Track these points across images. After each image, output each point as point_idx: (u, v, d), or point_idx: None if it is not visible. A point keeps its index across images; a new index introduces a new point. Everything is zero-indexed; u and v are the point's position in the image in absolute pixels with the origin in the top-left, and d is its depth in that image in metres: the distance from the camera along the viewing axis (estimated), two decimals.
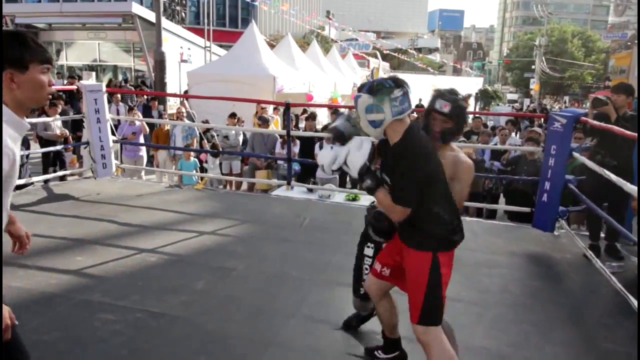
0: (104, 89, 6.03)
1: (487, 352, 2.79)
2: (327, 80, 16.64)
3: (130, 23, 18.91)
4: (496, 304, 3.40)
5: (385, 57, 39.16)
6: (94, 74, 13.37)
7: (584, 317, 3.27)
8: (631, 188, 3.27)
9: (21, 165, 4.68)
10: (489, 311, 3.28)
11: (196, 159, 7.92)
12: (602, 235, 4.54)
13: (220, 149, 7.81)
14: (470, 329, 3.02)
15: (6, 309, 1.52)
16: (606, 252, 4.36)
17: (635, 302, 3.09)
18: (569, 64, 44.03)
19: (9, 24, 19.36)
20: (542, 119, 8.48)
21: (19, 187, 5.39)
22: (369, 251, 2.80)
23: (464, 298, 3.45)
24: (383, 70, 32.16)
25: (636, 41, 21.95)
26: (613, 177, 3.56)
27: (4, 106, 1.48)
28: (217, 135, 8.25)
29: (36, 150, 7.18)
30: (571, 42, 46.26)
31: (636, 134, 3.41)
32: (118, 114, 10.51)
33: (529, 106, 28.14)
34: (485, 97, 33.65)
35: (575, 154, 4.58)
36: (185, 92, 14.02)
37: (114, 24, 20.31)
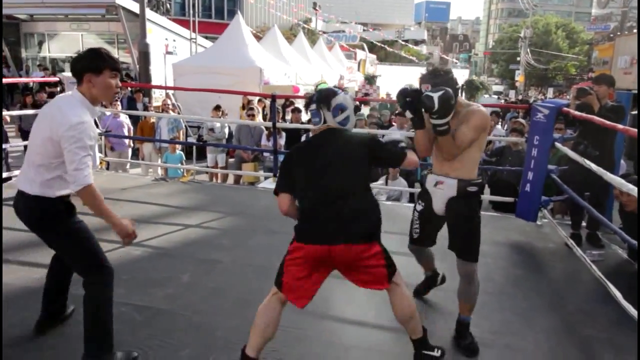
0: None
1: None
2: (313, 72, 16.59)
3: (114, 14, 18.58)
4: (480, 292, 3.43)
5: (372, 49, 39.09)
6: None
7: (565, 305, 3.33)
8: (611, 177, 3.32)
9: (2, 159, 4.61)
10: None
11: (182, 152, 7.87)
12: (584, 224, 4.62)
13: (206, 142, 7.77)
14: (454, 317, 3.06)
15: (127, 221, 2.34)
16: (587, 241, 4.44)
17: (615, 290, 3.15)
18: (554, 56, 44.41)
19: None
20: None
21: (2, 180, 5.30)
22: (418, 207, 2.91)
23: (449, 287, 3.47)
24: (370, 62, 32.13)
25: (619, 33, 22.23)
26: (594, 167, 3.61)
27: (84, 97, 2.26)
28: (203, 127, 8.21)
29: (18, 143, 7.09)
30: (555, 33, 46.61)
31: (617, 125, 3.47)
32: (102, 106, 10.37)
33: (518, 98, 28.45)
34: (471, 88, 33.81)
35: (558, 145, 4.63)
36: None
37: (98, 15, 19.93)
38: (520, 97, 29.46)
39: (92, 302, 2.33)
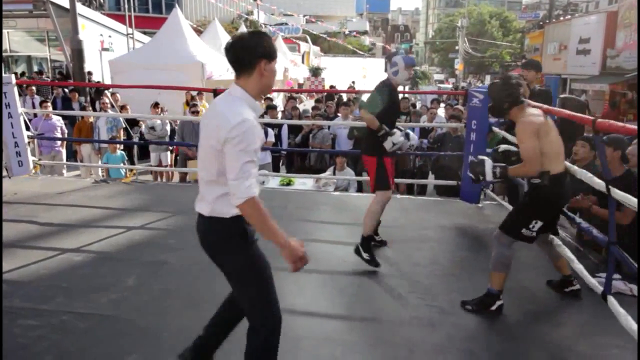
0: (14, 81, 5.61)
1: (418, 322, 2.91)
2: None
3: (42, 9, 17.58)
4: (427, 275, 3.55)
5: (315, 41, 39.12)
6: (2, 65, 12.33)
7: (506, 282, 3.48)
8: None
9: None
10: (420, 283, 3.42)
11: (123, 152, 7.58)
12: None
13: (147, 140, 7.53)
14: (403, 301, 3.15)
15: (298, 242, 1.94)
16: None
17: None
18: (489, 44, 46.09)
19: None
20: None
21: None
22: (538, 225, 2.98)
23: (396, 273, 3.57)
24: (314, 54, 32.15)
25: (548, 20, 23.35)
26: None
27: (245, 93, 1.93)
28: (142, 126, 7.95)
29: None
30: (490, 22, 48.37)
31: (544, 106, 3.64)
32: (34, 107, 9.84)
33: (462, 86, 29.45)
34: (414, 77, 34.58)
35: (495, 128, 4.82)
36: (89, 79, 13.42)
37: (25, 11, 18.78)
38: (456, 85, 30.47)
39: (254, 352, 2.03)
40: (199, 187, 2.01)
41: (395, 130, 3.60)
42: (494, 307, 3.01)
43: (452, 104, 10.75)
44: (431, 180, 6.50)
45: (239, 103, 1.89)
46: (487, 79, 33.64)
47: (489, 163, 3.00)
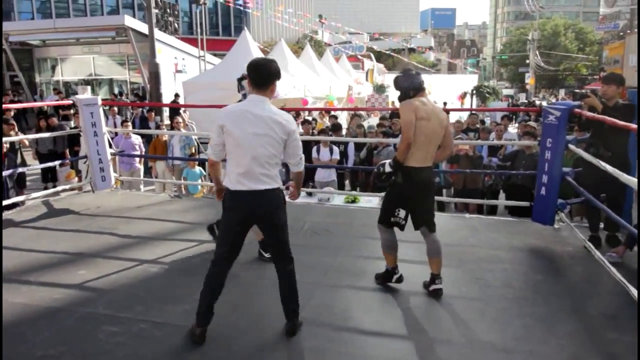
0: (100, 102, 6.06)
1: (491, 347, 2.79)
2: (322, 84, 16.68)
3: (123, 36, 18.97)
4: (499, 298, 3.41)
5: (379, 58, 39.22)
6: (89, 87, 13.38)
7: (585, 309, 3.27)
8: (627, 179, 3.27)
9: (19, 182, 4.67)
10: (492, 306, 3.29)
11: (201, 167, 7.91)
12: (602, 226, 4.55)
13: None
14: (474, 324, 3.03)
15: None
16: (607, 243, 4.37)
17: (634, 292, 3.09)
18: (563, 57, 44.14)
19: (4, 43, 19.38)
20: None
21: (15, 205, 5.40)
22: (402, 213, 3.41)
23: (466, 294, 3.46)
24: (378, 71, 32.20)
25: (629, 31, 22.04)
26: (609, 168, 3.57)
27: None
28: None
29: (35, 166, 7.21)
30: (564, 35, 46.36)
31: (628, 123, 3.42)
32: (115, 126, 10.54)
33: (532, 101, 28.39)
34: (481, 93, 33.63)
35: (572, 146, 4.58)
36: (174, 101, 14.19)
37: (108, 38, 20.36)
38: (527, 100, 29.36)
39: (293, 274, 2.95)
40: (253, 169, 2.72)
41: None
42: (393, 280, 3.50)
43: (524, 120, 10.36)
44: (502, 201, 6.27)
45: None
46: (561, 93, 32.06)
47: (388, 162, 3.38)
